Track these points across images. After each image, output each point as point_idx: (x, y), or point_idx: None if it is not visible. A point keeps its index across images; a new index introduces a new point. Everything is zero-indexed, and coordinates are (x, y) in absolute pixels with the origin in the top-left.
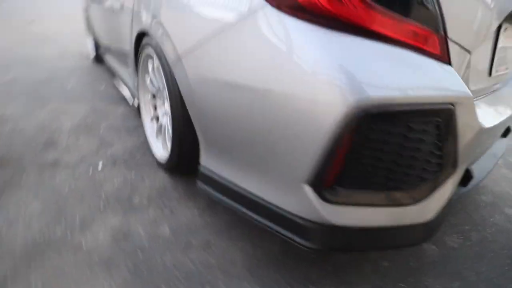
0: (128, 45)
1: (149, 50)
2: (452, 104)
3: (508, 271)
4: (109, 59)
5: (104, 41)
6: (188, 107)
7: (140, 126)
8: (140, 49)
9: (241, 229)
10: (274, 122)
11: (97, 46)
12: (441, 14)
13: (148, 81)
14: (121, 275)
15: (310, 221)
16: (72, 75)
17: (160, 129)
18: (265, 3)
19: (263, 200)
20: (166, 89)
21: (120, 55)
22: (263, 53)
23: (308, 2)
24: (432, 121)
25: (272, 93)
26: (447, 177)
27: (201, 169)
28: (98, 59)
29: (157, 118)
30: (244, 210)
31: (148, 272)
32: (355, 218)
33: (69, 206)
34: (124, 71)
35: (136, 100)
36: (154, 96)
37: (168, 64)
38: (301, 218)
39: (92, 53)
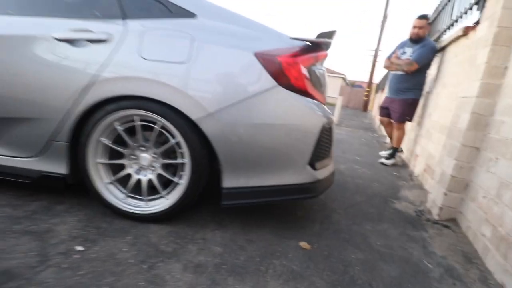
0: (56, 111)
1: (129, 113)
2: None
3: None
4: None
5: None
6: (216, 145)
7: (58, 202)
8: (99, 114)
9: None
10: (287, 139)
11: None
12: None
13: (107, 143)
14: None
15: (312, 182)
16: None
17: (136, 186)
18: (275, 83)
19: (280, 185)
20: (184, 140)
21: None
22: (279, 105)
23: (298, 85)
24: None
25: (285, 125)
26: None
27: (225, 191)
28: None
29: (121, 180)
30: (267, 199)
31: None
32: (323, 173)
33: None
34: None
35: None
36: (116, 157)
37: (186, 121)
38: (307, 183)
39: None
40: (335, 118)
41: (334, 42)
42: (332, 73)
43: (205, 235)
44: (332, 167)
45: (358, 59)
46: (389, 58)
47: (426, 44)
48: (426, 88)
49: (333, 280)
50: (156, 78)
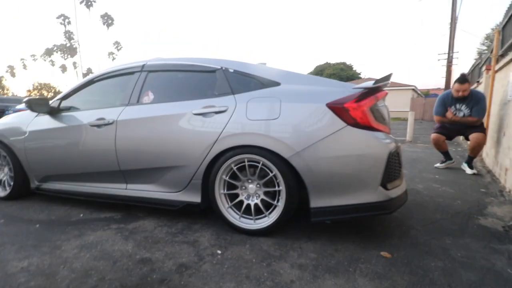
0: (195, 160)
1: (241, 157)
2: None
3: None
4: (91, 185)
5: (84, 169)
6: (303, 176)
7: (194, 223)
8: (221, 160)
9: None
10: (359, 166)
11: (19, 182)
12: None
13: (227, 179)
14: None
15: (385, 201)
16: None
17: (247, 209)
18: (345, 124)
19: (357, 204)
20: (279, 173)
21: (153, 172)
22: (350, 141)
23: (363, 123)
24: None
25: (357, 155)
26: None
27: (313, 210)
28: (16, 195)
29: (236, 204)
30: (347, 216)
31: None
32: (395, 193)
33: None
34: (146, 186)
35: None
36: (232, 188)
37: (280, 159)
38: (381, 201)
39: (3, 191)
40: (408, 135)
41: (390, 81)
42: (400, 86)
43: (300, 245)
44: (404, 186)
45: (428, 65)
46: (440, 115)
47: (479, 99)
48: (508, 95)
49: (413, 281)
50: (258, 132)
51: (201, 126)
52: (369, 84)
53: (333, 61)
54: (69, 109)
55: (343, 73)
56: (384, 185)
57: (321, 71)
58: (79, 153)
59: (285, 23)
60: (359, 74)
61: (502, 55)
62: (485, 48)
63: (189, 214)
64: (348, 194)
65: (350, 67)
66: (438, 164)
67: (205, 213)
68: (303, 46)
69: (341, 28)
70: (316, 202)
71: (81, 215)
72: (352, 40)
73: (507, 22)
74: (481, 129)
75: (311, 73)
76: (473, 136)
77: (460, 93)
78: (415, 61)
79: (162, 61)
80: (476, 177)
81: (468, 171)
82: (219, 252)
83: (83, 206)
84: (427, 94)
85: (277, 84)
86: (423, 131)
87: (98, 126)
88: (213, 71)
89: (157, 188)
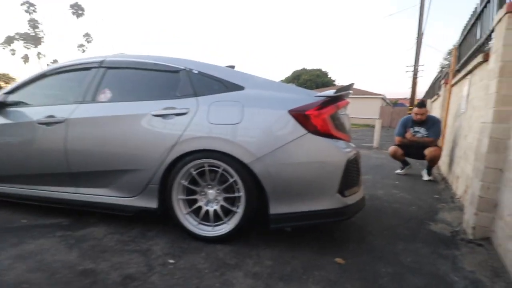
0: (152, 164)
1: (201, 161)
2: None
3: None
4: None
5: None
6: (263, 182)
7: (148, 230)
8: (180, 164)
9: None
10: (318, 173)
11: None
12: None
13: (185, 184)
14: None
15: (343, 207)
16: None
17: (205, 215)
18: (306, 131)
19: (316, 211)
20: (239, 178)
21: (102, 176)
22: (310, 148)
23: (324, 130)
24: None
25: (316, 162)
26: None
27: (272, 216)
28: None
29: (194, 211)
30: (306, 222)
31: None
32: (353, 199)
33: None
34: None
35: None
36: (191, 193)
37: (241, 164)
38: (339, 208)
39: None
40: (374, 142)
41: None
42: (370, 94)
43: (258, 252)
44: (362, 193)
45: (397, 76)
46: (400, 135)
47: (435, 122)
48: (460, 108)
49: (363, 287)
50: (219, 136)
51: (160, 128)
52: (331, 92)
53: (310, 67)
54: (16, 104)
55: (318, 79)
56: (341, 192)
57: (298, 76)
58: (24, 153)
59: (278, 26)
60: (334, 81)
61: (458, 71)
62: (447, 62)
63: (145, 220)
64: (306, 200)
65: (325, 74)
66: (398, 171)
67: (162, 219)
68: (285, 50)
69: (320, 36)
70: (275, 208)
71: (24, 221)
72: (329, 48)
73: (463, 40)
74: (437, 145)
75: (288, 77)
76: (429, 149)
77: (418, 116)
78: (385, 71)
79: (123, 58)
80: (432, 183)
81: (425, 177)
82: (171, 261)
83: (27, 211)
84: (395, 103)
85: (241, 88)
86: (390, 138)
87: (47, 124)
88: (176, 71)
89: (110, 192)
